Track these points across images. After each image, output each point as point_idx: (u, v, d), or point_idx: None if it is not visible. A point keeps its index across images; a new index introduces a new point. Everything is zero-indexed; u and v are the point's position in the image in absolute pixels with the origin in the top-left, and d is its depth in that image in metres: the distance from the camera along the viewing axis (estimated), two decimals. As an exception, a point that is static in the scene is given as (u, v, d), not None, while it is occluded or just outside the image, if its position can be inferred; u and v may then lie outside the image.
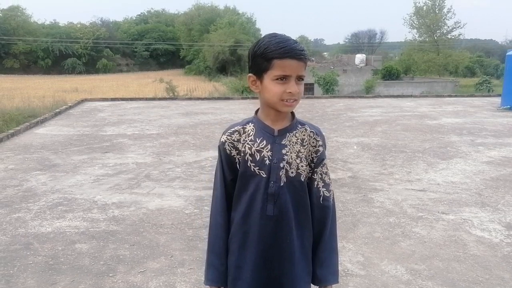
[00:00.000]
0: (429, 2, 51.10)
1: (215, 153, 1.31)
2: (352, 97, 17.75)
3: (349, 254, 3.71)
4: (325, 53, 72.10)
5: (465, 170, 6.32)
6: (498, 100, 14.06)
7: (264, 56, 1.51)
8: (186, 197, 5.17)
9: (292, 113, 1.67)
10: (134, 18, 79.10)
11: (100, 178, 5.95)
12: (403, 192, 5.34)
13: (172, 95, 20.12)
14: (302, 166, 1.63)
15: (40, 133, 9.38)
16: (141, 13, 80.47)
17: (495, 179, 5.89)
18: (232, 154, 1.63)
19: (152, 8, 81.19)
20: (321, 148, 1.68)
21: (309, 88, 29.16)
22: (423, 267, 3.50)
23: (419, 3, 50.96)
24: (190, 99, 17.00)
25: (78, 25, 67.08)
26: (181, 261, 3.59)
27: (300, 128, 1.66)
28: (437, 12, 50.91)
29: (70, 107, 13.63)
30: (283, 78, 1.50)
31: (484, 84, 29.87)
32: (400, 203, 4.97)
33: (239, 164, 1.63)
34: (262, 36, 1.59)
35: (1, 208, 4.80)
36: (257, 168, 1.60)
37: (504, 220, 4.49)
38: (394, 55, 68.85)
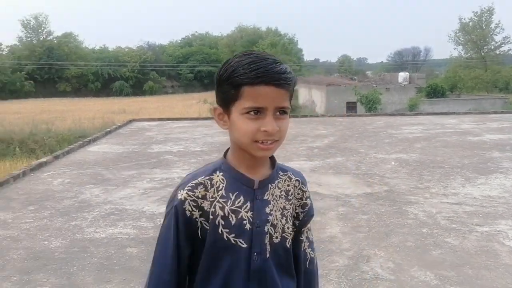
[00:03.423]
0: (475, 18, 50.19)
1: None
2: (393, 115, 17.71)
3: (380, 261, 3.89)
4: (368, 72, 71.59)
5: (504, 185, 6.33)
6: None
7: (231, 82, 1.14)
8: (227, 209, 5.48)
9: (272, 156, 1.28)
10: (179, 41, 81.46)
11: (148, 191, 6.37)
12: (438, 205, 5.44)
13: (216, 115, 20.70)
14: (288, 228, 1.28)
15: (93, 151, 10.00)
16: (186, 36, 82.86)
17: (534, 194, 5.88)
18: (194, 217, 1.20)
19: (196, 32, 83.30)
20: (308, 201, 1.34)
21: (351, 107, 29.22)
22: (452, 274, 3.64)
23: (464, 19, 50.12)
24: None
25: (126, 49, 69.82)
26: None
27: (282, 176, 1.30)
28: (484, 27, 49.90)
29: (120, 127, 14.36)
30: (256, 112, 1.13)
31: (536, 101, 28.93)
32: (434, 215, 5.08)
33: (201, 231, 1.21)
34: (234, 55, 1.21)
35: (60, 217, 5.28)
36: (233, 235, 1.20)
37: (539, 232, 4.52)
38: (440, 72, 67.57)
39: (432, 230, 4.60)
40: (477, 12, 49.57)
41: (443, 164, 7.71)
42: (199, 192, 1.19)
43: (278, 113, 1.15)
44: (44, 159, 8.75)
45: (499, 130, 12.04)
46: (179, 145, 10.54)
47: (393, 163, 7.94)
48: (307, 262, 1.36)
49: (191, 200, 1.19)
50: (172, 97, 56.10)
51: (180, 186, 1.22)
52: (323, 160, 8.30)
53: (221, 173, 1.22)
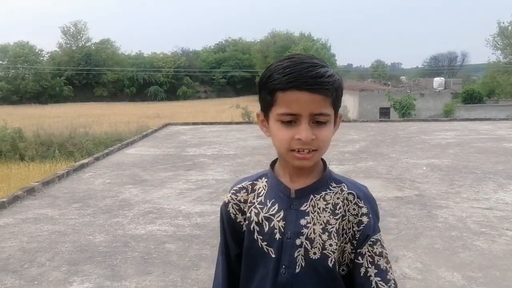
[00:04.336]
0: (515, 22, 48.81)
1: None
2: (427, 120, 17.57)
3: (408, 262, 4.01)
4: (402, 77, 70.57)
5: (538, 191, 6.29)
6: None
7: (267, 87, 1.10)
8: (260, 209, 5.69)
9: (324, 164, 1.20)
10: (213, 47, 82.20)
11: (184, 192, 6.65)
12: (468, 210, 5.49)
13: (248, 120, 20.99)
14: (331, 245, 1.14)
15: (130, 153, 10.40)
16: (219, 42, 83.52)
17: None
18: (238, 220, 1.23)
19: (229, 37, 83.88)
20: (365, 218, 1.17)
21: (385, 112, 29.00)
22: (479, 275, 3.73)
23: (503, 23, 48.84)
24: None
25: (161, 55, 71.09)
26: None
27: (334, 188, 1.18)
28: (524, 32, 48.47)
29: (156, 131, 14.80)
30: (291, 119, 1.08)
31: None
32: (464, 219, 5.14)
33: (245, 235, 1.22)
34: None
35: (103, 214, 5.61)
36: (266, 243, 1.17)
37: None
38: (478, 78, 65.95)
39: (461, 233, 4.67)
40: (516, 15, 48.23)
41: (476, 170, 7.69)
42: (241, 196, 1.23)
43: (315, 121, 1.08)
44: (85, 160, 9.19)
45: (536, 136, 11.82)
46: (213, 148, 10.82)
47: (424, 168, 7.97)
48: None
49: (234, 204, 1.23)
50: (205, 102, 56.87)
51: (229, 189, 1.28)
52: (354, 165, 8.40)
53: (266, 180, 1.23)
